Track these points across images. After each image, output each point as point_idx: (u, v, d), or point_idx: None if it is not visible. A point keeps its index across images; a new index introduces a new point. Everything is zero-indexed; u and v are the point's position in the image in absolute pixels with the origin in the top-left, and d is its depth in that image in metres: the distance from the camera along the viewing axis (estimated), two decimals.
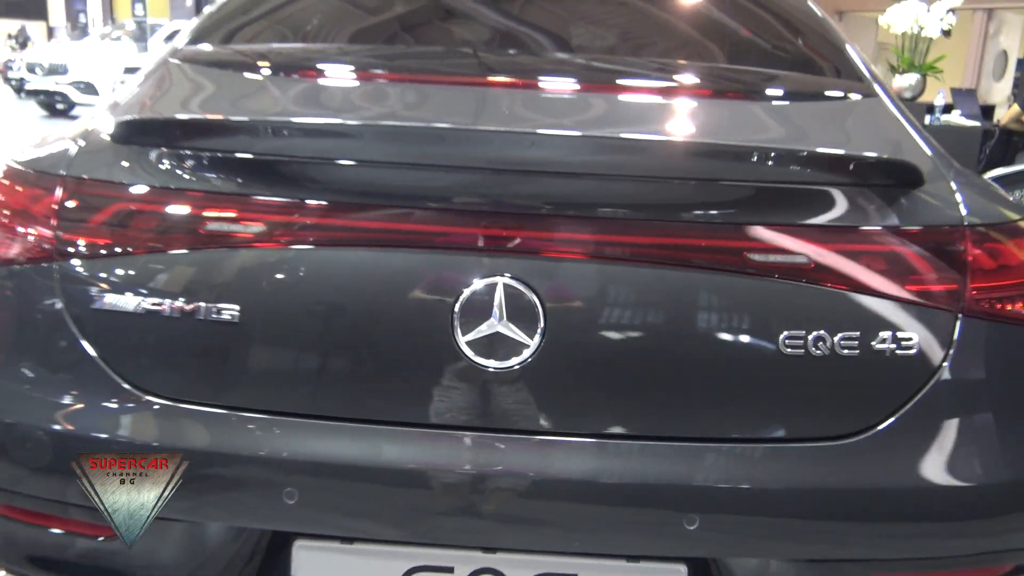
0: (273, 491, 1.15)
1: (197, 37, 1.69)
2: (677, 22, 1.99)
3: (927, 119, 6.58)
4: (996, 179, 1.89)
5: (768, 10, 1.98)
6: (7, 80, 18.00)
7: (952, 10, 6.45)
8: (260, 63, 1.62)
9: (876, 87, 1.56)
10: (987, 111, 7.40)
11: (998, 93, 11.48)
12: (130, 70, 10.51)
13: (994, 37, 11.90)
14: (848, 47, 1.73)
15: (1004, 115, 6.83)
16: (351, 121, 1.28)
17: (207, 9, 1.84)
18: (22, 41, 23.17)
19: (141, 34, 14.41)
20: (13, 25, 26.67)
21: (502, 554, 1.21)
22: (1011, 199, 1.83)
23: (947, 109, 6.73)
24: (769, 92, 1.57)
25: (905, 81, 6.64)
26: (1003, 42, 11.78)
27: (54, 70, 13.58)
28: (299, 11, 1.99)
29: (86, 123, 1.38)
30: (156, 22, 15.71)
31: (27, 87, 14.06)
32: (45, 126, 13.13)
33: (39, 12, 41.61)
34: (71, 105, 14.23)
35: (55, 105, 14.36)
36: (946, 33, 12.28)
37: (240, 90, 1.53)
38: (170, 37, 14.69)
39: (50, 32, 39.40)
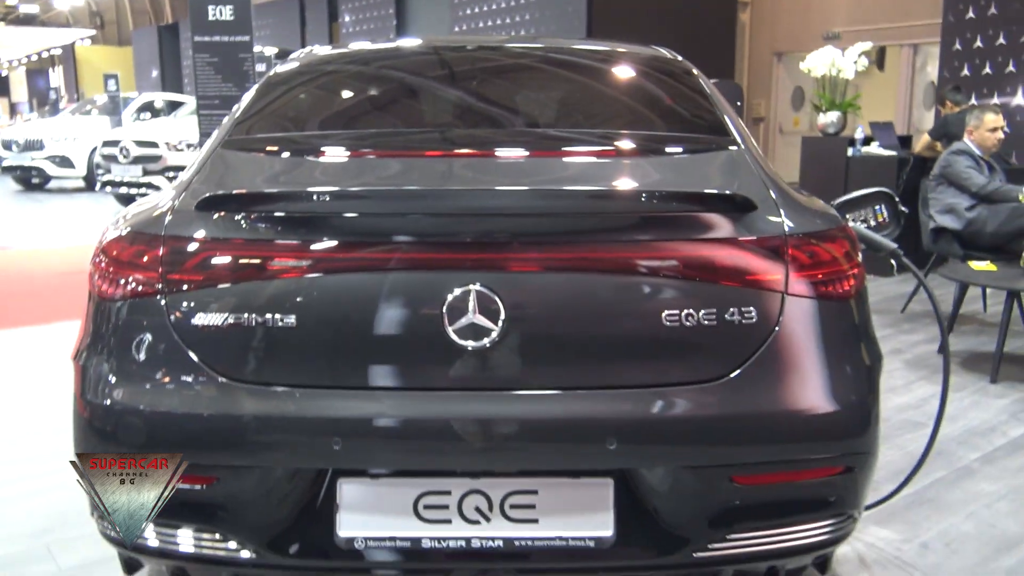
0: (325, 440, 1.67)
1: (233, 132, 2.22)
2: (597, 99, 2.57)
3: (850, 151, 7.28)
4: (840, 204, 2.44)
5: (668, 86, 2.55)
6: None
7: (864, 53, 7.15)
8: (285, 148, 2.17)
9: (740, 142, 2.12)
10: (906, 141, 8.12)
11: (930, 122, 12.27)
12: (109, 143, 10.99)
13: (922, 70, 12.68)
14: (725, 115, 2.29)
15: (918, 144, 7.56)
16: (365, 187, 1.83)
17: (235, 112, 2.33)
18: None
19: (114, 108, 14.87)
20: None
21: (484, 479, 1.73)
22: (849, 219, 2.42)
23: (867, 141, 7.42)
24: (659, 150, 2.13)
25: (828, 119, 7.33)
26: (931, 73, 12.56)
27: (30, 146, 13.99)
28: (306, 107, 2.53)
29: (167, 199, 1.91)
30: (127, 95, 16.21)
31: (4, 163, 14.44)
32: (22, 201, 13.53)
33: (1, 90, 42.04)
34: (47, 179, 14.65)
35: (31, 180, 14.78)
36: (879, 66, 12.99)
37: (275, 168, 2.06)
38: (142, 109, 15.23)
39: (12, 108, 39.78)
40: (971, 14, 8.41)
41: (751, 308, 1.72)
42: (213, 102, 6.90)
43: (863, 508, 1.90)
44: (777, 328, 1.73)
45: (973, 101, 7.84)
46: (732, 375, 1.72)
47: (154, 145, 10.73)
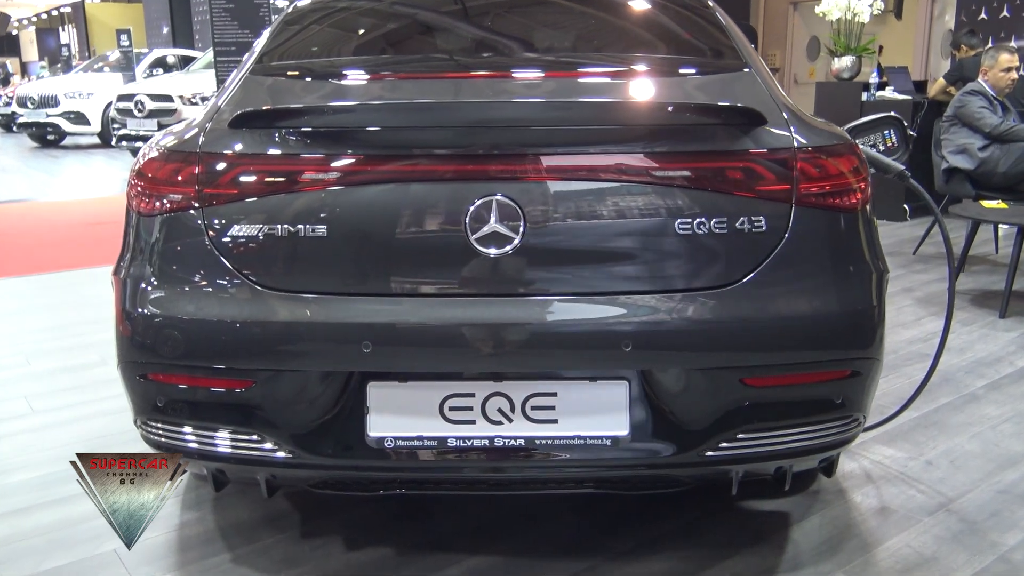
0: (355, 344, 1.75)
1: (260, 60, 2.28)
2: (617, 26, 2.63)
3: (864, 96, 7.26)
4: (850, 128, 2.50)
5: (685, 16, 2.60)
6: None
7: None
8: (309, 73, 2.24)
9: (750, 64, 2.18)
10: (921, 86, 8.08)
11: (945, 70, 12.13)
12: (124, 97, 11.07)
13: (939, 18, 12.52)
14: (736, 40, 2.34)
15: (932, 88, 7.53)
16: (390, 100, 1.90)
17: (259, 42, 2.42)
18: (3, 78, 23.67)
19: (127, 63, 14.91)
20: None
21: (506, 382, 1.82)
22: (859, 143, 2.48)
23: (882, 86, 7.39)
24: (673, 70, 2.19)
25: (842, 63, 7.30)
26: (948, 22, 12.40)
27: (45, 102, 14.09)
28: (324, 39, 2.59)
29: (201, 119, 1.99)
30: (139, 51, 16.23)
31: (20, 120, 14.55)
32: (40, 157, 13.64)
33: (12, 49, 41.94)
34: (62, 136, 14.77)
35: (46, 136, 14.89)
36: (896, 15, 12.76)
37: (301, 89, 2.14)
38: (154, 64, 15.26)
39: (23, 67, 39.75)
40: None
41: (760, 218, 1.79)
42: (230, 49, 6.99)
43: (867, 413, 1.99)
44: (786, 237, 1.81)
45: (990, 45, 7.78)
46: (743, 281, 1.79)
47: (168, 99, 10.80)
